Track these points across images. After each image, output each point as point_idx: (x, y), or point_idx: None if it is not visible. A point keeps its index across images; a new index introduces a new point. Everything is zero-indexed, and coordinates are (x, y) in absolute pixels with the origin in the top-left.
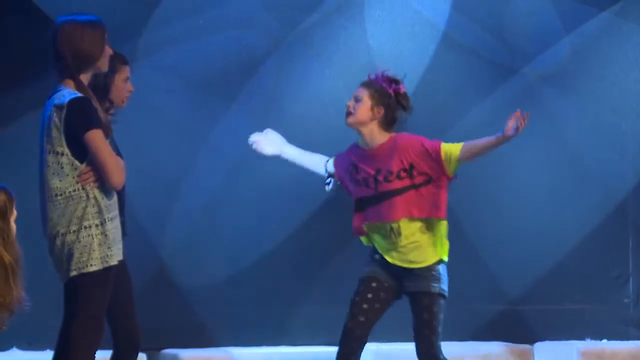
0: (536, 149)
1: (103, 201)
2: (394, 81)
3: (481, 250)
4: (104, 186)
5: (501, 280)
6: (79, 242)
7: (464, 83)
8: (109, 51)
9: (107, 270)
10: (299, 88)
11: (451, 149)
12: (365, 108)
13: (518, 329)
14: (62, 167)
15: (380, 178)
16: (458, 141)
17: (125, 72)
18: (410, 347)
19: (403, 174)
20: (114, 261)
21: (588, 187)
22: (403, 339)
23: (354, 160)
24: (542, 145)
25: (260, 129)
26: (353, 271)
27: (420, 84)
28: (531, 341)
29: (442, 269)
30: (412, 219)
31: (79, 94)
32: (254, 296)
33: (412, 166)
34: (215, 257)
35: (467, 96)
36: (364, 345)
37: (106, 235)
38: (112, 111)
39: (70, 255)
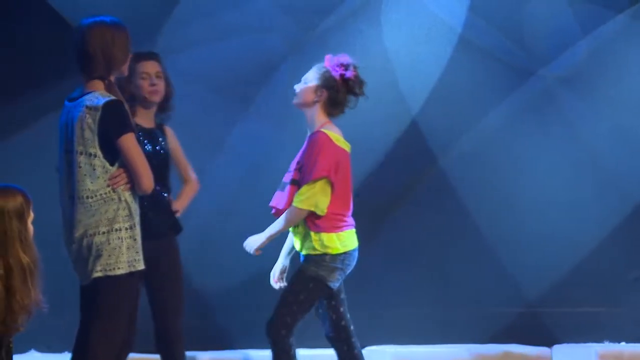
0: (553, 152)
1: (133, 205)
2: (343, 66)
3: (500, 253)
4: (134, 190)
5: (520, 282)
6: (109, 244)
7: (481, 86)
8: (130, 55)
9: (132, 274)
10: None
11: (298, 195)
12: (309, 89)
13: (536, 331)
14: (94, 169)
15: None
16: (475, 145)
17: (142, 67)
18: (427, 349)
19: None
20: (140, 266)
21: (606, 189)
22: (421, 341)
23: None
24: (559, 147)
25: (278, 131)
26: (371, 273)
27: (437, 86)
28: (549, 344)
29: (329, 258)
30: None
31: (113, 97)
32: (272, 299)
33: (300, 166)
34: (232, 260)
35: (484, 99)
36: None
37: (135, 240)
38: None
39: (97, 257)
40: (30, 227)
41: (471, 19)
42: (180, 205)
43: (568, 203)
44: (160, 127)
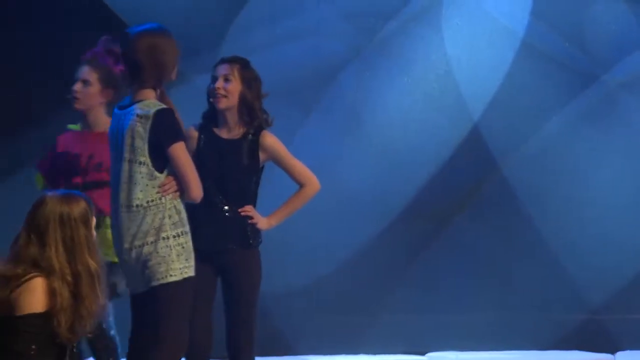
0: (616, 156)
1: (182, 213)
2: (113, 55)
3: (563, 258)
4: (182, 198)
5: (583, 288)
6: (157, 253)
7: (543, 91)
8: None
9: (184, 281)
10: (377, 97)
11: None
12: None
13: (600, 338)
14: (143, 177)
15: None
16: (537, 150)
17: (213, 70)
18: (489, 355)
19: None
20: (191, 272)
21: None
22: (483, 347)
23: None
24: (622, 152)
25: (339, 139)
26: (432, 278)
27: (499, 92)
28: (613, 350)
29: None
30: None
31: (164, 106)
32: (331, 304)
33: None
34: (291, 265)
35: (546, 104)
36: None
37: (183, 247)
38: None
39: (147, 267)
40: (94, 233)
41: (533, 23)
42: (275, 216)
43: (632, 208)
44: (248, 136)
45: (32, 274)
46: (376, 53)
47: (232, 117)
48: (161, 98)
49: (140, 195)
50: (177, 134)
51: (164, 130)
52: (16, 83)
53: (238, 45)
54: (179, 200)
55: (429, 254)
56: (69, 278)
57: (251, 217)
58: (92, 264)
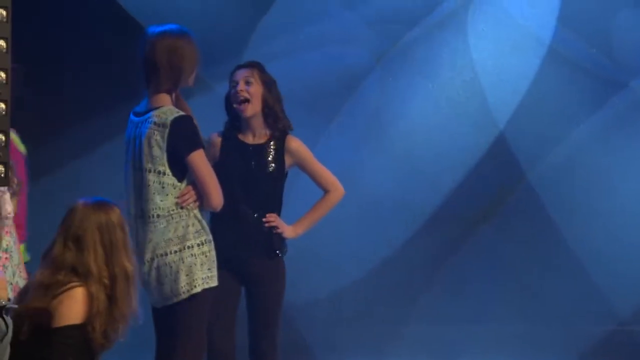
0: None
1: (203, 221)
2: None
3: (590, 268)
4: (202, 207)
5: (611, 299)
6: (183, 262)
7: (570, 98)
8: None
9: (207, 291)
10: (401, 104)
11: None
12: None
13: (629, 349)
14: (164, 187)
15: None
16: (564, 158)
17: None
18: None
19: None
20: (214, 283)
21: None
22: (508, 359)
23: None
24: None
25: (362, 146)
26: (457, 286)
27: (525, 98)
28: None
29: None
30: None
31: (182, 113)
32: (354, 314)
33: None
34: (315, 274)
35: (573, 111)
36: None
37: (206, 256)
38: None
39: (175, 278)
40: (129, 237)
41: (560, 29)
42: (301, 224)
43: None
44: (273, 140)
45: (72, 283)
46: (400, 59)
47: (257, 122)
48: (176, 103)
49: (161, 205)
50: (196, 142)
51: (182, 138)
52: (42, 86)
53: (260, 52)
54: (199, 209)
55: (454, 263)
56: (106, 281)
57: (276, 226)
58: (129, 266)
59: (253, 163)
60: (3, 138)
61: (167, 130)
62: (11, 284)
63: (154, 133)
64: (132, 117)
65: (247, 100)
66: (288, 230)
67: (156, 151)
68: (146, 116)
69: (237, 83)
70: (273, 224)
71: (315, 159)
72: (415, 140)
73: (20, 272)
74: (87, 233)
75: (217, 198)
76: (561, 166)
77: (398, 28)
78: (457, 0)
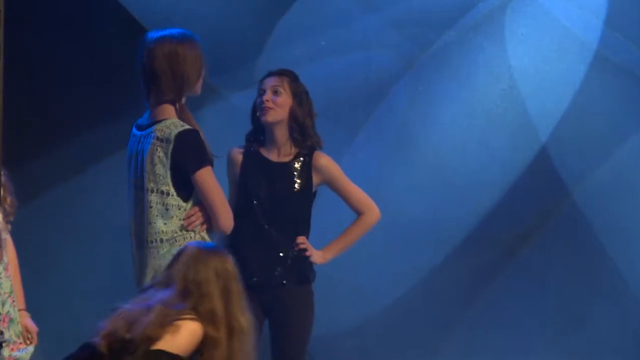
0: None
1: None
2: None
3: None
4: (210, 229)
5: None
6: None
7: (618, 108)
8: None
9: None
10: (433, 115)
11: None
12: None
13: None
14: (167, 209)
15: None
16: (613, 174)
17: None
18: None
19: None
20: None
21: None
22: None
23: None
24: None
25: (389, 161)
26: (496, 315)
27: (569, 109)
28: None
29: None
30: None
31: (187, 126)
32: (382, 346)
33: None
34: (339, 303)
35: (621, 122)
36: None
37: None
38: None
39: None
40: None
41: (607, 33)
42: (331, 249)
43: None
44: (300, 158)
45: (191, 316)
46: (431, 66)
47: (282, 136)
48: (180, 114)
49: (164, 229)
50: (203, 158)
51: (187, 154)
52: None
53: (277, 58)
54: (207, 232)
55: (491, 290)
56: (225, 331)
57: (305, 250)
58: (245, 321)
59: (278, 183)
60: None
61: (170, 146)
62: (0, 314)
63: (157, 149)
64: (134, 130)
65: (272, 109)
66: (316, 255)
67: (159, 169)
68: (148, 130)
69: (265, 92)
70: (303, 246)
71: (347, 178)
72: (448, 155)
73: (12, 301)
74: (208, 278)
75: (226, 219)
76: (609, 183)
77: (429, 31)
78: (495, 1)
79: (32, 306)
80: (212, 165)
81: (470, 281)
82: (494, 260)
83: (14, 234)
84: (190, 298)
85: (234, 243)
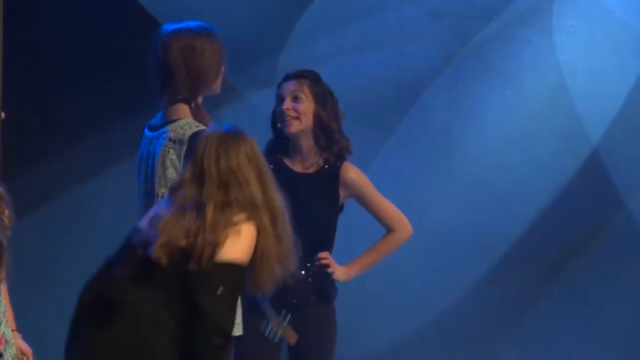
0: None
1: None
2: None
3: None
4: None
5: None
6: None
7: None
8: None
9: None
10: (473, 116)
11: None
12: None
13: None
14: None
15: None
16: None
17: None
18: None
19: None
20: (237, 332)
21: None
22: None
23: None
24: None
25: (426, 168)
26: (541, 340)
27: (624, 109)
28: None
29: None
30: None
31: (202, 127)
32: None
33: None
34: (369, 324)
35: None
36: None
37: None
38: None
39: None
40: None
41: None
42: (355, 266)
43: None
44: (326, 168)
45: (244, 216)
46: (472, 62)
47: (307, 144)
48: (196, 114)
49: None
50: None
51: None
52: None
53: (301, 54)
54: None
55: (538, 311)
56: (269, 217)
57: (327, 266)
58: (280, 201)
59: (301, 196)
60: None
61: (184, 148)
62: None
63: (169, 151)
64: (146, 131)
65: (295, 119)
66: (339, 272)
67: (171, 173)
68: (161, 131)
69: (284, 99)
70: (325, 262)
71: (377, 191)
72: (490, 161)
73: (6, 320)
74: (240, 164)
75: None
76: None
77: (470, 24)
78: None
79: (35, 322)
80: None
81: (513, 300)
82: (539, 278)
83: (15, 245)
84: (230, 189)
85: None
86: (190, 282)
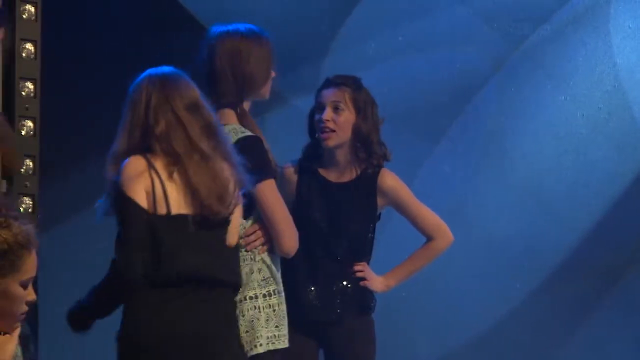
0: None
1: (273, 268)
2: None
3: None
4: (274, 250)
5: None
6: (243, 316)
7: None
8: (273, 74)
9: (273, 354)
10: (526, 121)
11: None
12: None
13: None
14: None
15: None
16: None
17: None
18: None
19: None
20: (282, 344)
21: None
22: None
23: None
24: None
25: (476, 174)
26: (599, 352)
27: None
28: None
29: None
30: None
31: (248, 133)
32: None
33: None
34: (414, 337)
35: None
36: None
37: (274, 310)
38: None
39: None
40: None
41: None
42: (394, 276)
43: None
44: (364, 177)
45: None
46: (525, 65)
47: (344, 156)
48: (242, 119)
49: None
50: (266, 169)
51: (248, 164)
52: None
53: (347, 57)
54: (268, 253)
55: (594, 323)
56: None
57: (365, 277)
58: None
59: (338, 206)
60: (31, 165)
61: None
62: None
63: None
64: None
65: (333, 131)
66: (377, 282)
67: None
68: None
69: (324, 108)
70: (362, 274)
71: (416, 199)
72: (543, 167)
73: None
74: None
75: (291, 239)
76: None
77: (522, 26)
78: None
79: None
80: (275, 177)
81: (568, 312)
82: (595, 289)
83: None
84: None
85: (286, 269)
86: None
